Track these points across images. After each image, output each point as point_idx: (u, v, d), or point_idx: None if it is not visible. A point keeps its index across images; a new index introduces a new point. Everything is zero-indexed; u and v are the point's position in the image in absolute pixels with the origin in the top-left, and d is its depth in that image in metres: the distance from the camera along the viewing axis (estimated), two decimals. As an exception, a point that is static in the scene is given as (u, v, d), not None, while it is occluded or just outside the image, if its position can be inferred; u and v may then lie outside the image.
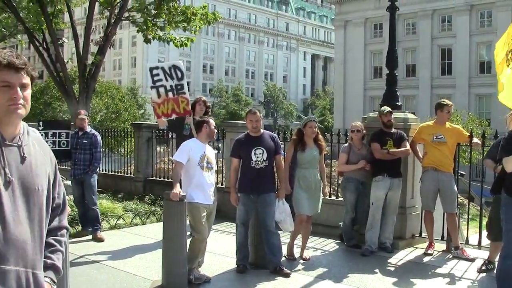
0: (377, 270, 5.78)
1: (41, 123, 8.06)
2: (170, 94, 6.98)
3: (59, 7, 10.34)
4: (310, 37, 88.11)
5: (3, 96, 1.95)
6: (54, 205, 2.21)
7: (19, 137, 2.05)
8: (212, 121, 5.48)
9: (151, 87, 7.19)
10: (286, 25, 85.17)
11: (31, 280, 1.99)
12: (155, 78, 7.05)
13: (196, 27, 10.27)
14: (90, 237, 7.26)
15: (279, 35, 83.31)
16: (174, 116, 7.01)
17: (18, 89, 1.97)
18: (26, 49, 77.36)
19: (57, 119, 18.17)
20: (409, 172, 6.87)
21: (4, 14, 13.88)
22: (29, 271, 2.00)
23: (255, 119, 5.60)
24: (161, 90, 7.01)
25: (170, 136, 9.76)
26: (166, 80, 7.00)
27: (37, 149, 2.13)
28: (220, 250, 6.52)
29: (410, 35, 38.77)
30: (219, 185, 8.35)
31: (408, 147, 6.44)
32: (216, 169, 6.13)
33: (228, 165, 7.83)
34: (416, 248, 6.73)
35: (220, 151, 9.38)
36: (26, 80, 2.00)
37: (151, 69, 7.15)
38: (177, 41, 10.22)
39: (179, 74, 7.01)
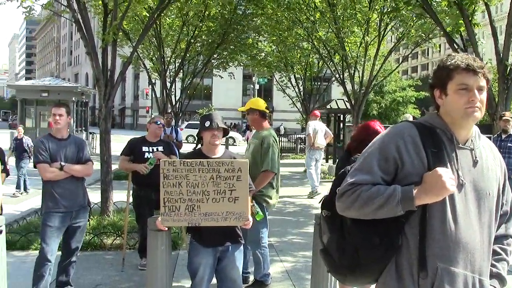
0: None
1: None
2: None
3: (476, 7, 11.46)
4: None
5: (460, 98, 2.21)
6: (501, 211, 2.42)
7: (471, 140, 2.33)
8: None
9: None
10: None
11: (477, 286, 2.23)
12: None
13: None
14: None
15: None
16: None
17: (476, 91, 2.21)
18: (436, 52, 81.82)
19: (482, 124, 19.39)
20: None
21: (421, 20, 16.00)
22: (475, 276, 2.22)
23: None
24: None
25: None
26: None
27: (488, 153, 2.38)
28: None
29: None
30: None
31: None
32: None
33: None
34: None
35: None
36: (483, 82, 2.23)
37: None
38: None
39: None
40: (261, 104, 6.12)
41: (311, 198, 13.75)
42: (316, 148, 14.18)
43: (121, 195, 10.08)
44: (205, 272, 4.30)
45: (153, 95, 22.98)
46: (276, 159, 5.94)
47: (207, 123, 4.40)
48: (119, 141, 11.93)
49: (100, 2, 10.79)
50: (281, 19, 19.32)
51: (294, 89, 28.12)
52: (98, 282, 6.48)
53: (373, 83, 19.16)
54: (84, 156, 5.68)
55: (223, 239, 4.32)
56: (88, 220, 6.34)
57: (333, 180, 3.35)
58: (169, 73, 21.71)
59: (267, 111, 6.10)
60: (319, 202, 2.89)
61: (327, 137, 14.70)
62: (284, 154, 28.52)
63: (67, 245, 5.70)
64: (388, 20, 17.60)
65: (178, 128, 13.13)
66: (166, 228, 4.20)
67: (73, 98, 24.96)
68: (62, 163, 5.40)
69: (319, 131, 14.18)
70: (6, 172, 6.19)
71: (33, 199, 12.00)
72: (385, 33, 18.46)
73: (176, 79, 21.76)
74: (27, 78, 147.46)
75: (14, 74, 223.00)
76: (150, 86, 23.05)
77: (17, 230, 8.47)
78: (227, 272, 4.41)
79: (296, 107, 29.48)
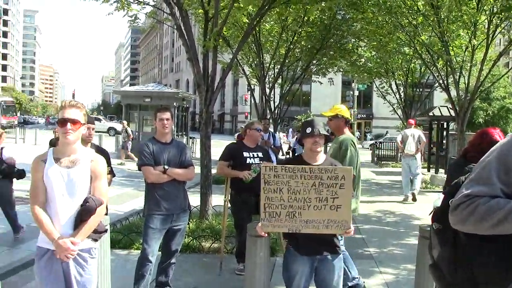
0: None
1: None
2: None
3: None
4: None
5: None
6: None
7: None
8: None
9: None
10: None
11: None
12: None
13: None
14: None
15: None
16: None
17: None
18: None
19: None
20: None
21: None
22: None
23: None
24: None
25: None
26: None
27: None
28: None
29: None
30: None
31: None
32: None
33: None
34: None
35: None
36: None
37: None
38: None
39: None
40: (347, 111, 6.34)
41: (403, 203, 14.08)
42: (405, 155, 14.54)
43: (219, 199, 10.24)
44: (301, 281, 4.24)
45: (252, 101, 23.27)
46: (354, 162, 5.96)
47: (309, 130, 4.35)
48: (218, 146, 12.13)
49: (201, 10, 11.04)
50: (382, 23, 18.91)
51: (395, 95, 27.66)
52: (195, 284, 6.59)
53: (479, 89, 18.36)
54: (186, 160, 5.79)
55: (320, 248, 4.25)
56: (188, 223, 6.45)
57: (435, 189, 3.19)
58: (268, 79, 21.90)
59: (351, 118, 6.22)
60: (429, 214, 2.77)
61: (421, 143, 14.71)
62: (384, 162, 28.03)
63: (167, 247, 5.83)
64: (498, 21, 16.76)
65: (276, 134, 13.18)
66: (266, 234, 4.17)
67: (175, 104, 25.74)
68: (166, 167, 5.53)
69: (410, 138, 14.37)
70: (112, 173, 6.42)
71: (135, 200, 12.47)
72: (494, 35, 17.61)
73: (275, 84, 21.92)
74: (131, 84, 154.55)
75: (119, 81, 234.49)
76: (249, 92, 23.35)
77: (120, 229, 8.82)
78: (327, 282, 4.32)
79: (397, 114, 28.91)
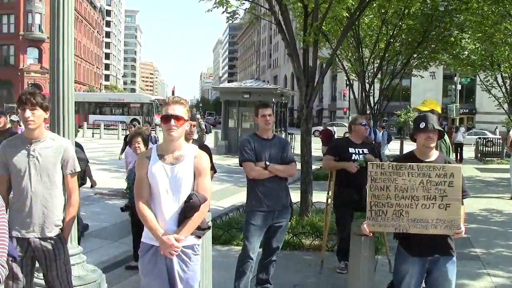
0: None
1: None
2: None
3: None
4: None
5: None
6: None
7: None
8: None
9: None
10: None
11: None
12: None
13: None
14: None
15: None
16: None
17: None
18: None
19: None
20: None
21: None
22: None
23: None
24: None
25: None
26: None
27: None
28: None
29: None
30: None
31: None
32: None
33: None
34: None
35: None
36: None
37: None
38: None
39: None
40: (439, 107, 6.51)
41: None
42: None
43: (319, 196, 10.16)
44: (411, 282, 4.11)
45: (351, 96, 22.98)
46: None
47: (422, 124, 4.15)
48: (316, 142, 12.06)
49: (299, 3, 10.97)
50: (488, 13, 18.04)
51: (501, 89, 26.40)
52: (296, 282, 6.56)
53: None
54: (288, 157, 5.74)
55: (431, 250, 4.08)
56: (289, 220, 6.41)
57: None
58: (368, 73, 21.53)
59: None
60: None
61: None
62: (488, 158, 26.81)
63: (268, 244, 5.81)
64: None
65: (377, 129, 12.92)
66: (371, 234, 4.06)
67: (273, 99, 25.83)
68: (267, 163, 5.51)
69: None
70: (213, 169, 6.50)
71: (235, 196, 12.64)
72: None
73: (375, 79, 21.52)
74: (229, 81, 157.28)
75: (217, 77, 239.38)
76: (348, 87, 23.03)
77: (220, 225, 8.94)
78: (438, 284, 4.16)
79: (503, 108, 27.57)
